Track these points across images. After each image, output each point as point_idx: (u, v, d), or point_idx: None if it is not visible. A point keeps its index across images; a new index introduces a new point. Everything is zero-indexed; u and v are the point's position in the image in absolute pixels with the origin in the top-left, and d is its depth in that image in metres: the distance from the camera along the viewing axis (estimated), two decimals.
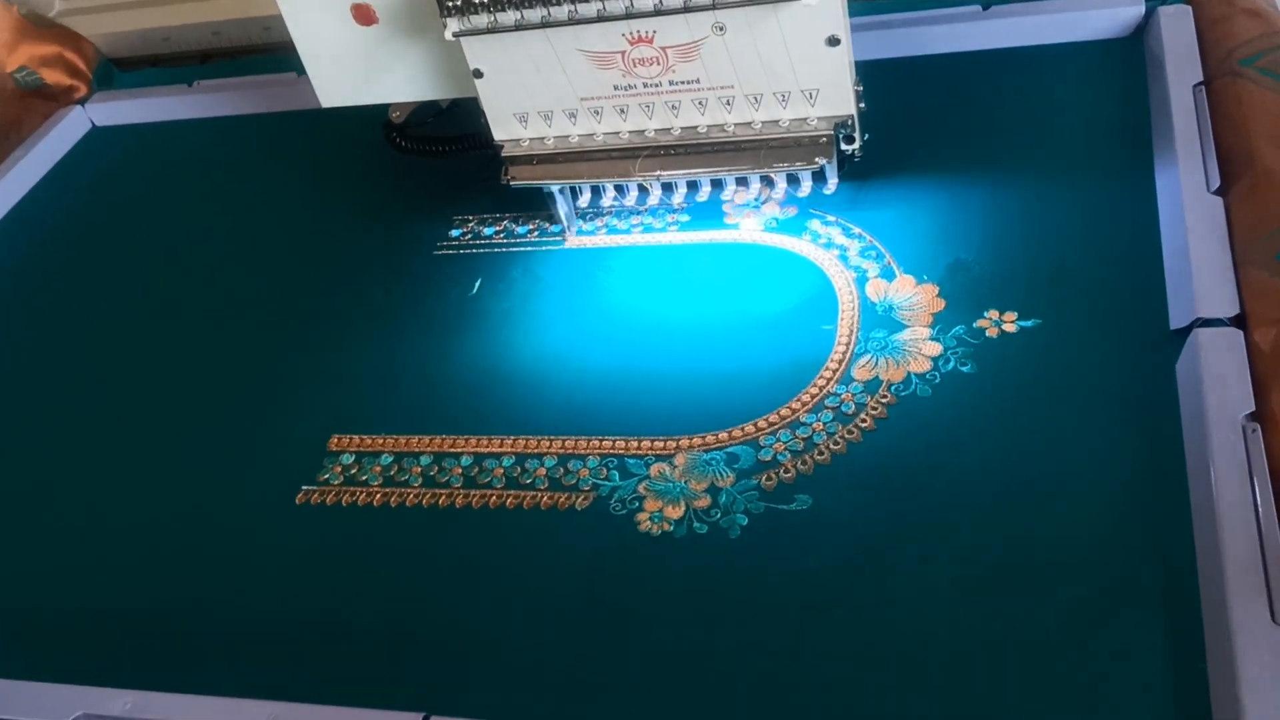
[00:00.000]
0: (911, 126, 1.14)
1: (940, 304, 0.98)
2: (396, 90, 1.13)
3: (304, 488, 0.98)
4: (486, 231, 1.20)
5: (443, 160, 1.22)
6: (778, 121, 1.01)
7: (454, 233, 1.21)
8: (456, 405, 1.02)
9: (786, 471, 0.88)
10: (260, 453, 1.02)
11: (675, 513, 0.87)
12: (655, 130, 1.04)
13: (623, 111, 1.03)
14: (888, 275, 1.02)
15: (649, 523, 0.87)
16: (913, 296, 0.99)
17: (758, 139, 1.01)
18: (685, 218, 1.14)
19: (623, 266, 1.11)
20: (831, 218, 1.09)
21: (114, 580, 0.95)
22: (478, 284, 1.14)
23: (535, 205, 1.19)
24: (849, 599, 0.79)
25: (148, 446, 1.07)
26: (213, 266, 1.26)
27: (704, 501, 0.88)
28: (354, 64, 1.11)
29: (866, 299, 1.00)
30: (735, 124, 1.02)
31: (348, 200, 1.29)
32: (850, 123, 1.00)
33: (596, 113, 1.04)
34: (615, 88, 1.02)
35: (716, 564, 0.83)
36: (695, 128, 1.03)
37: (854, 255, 1.05)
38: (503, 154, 1.08)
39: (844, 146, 1.01)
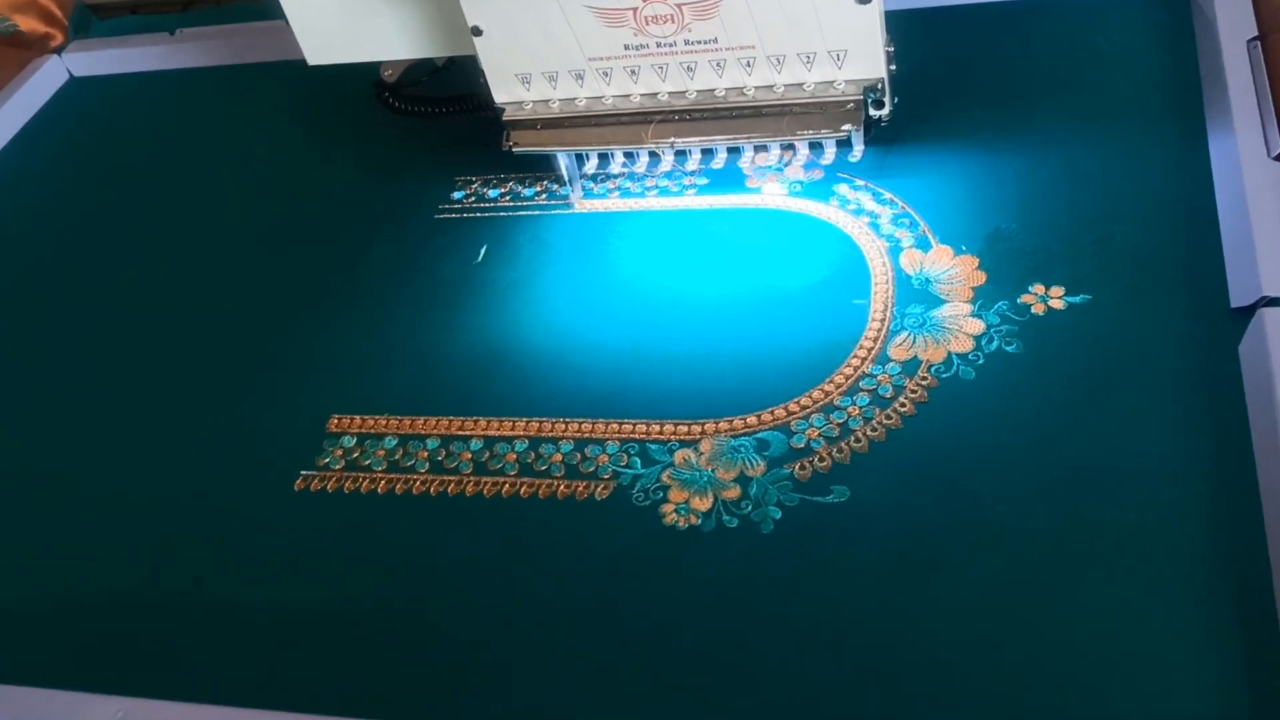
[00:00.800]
0: (943, 83, 1.07)
1: (981, 277, 0.91)
2: (388, 47, 1.06)
3: (303, 473, 0.92)
4: (491, 194, 1.13)
5: (440, 121, 1.14)
6: (802, 85, 0.94)
7: (456, 195, 1.14)
8: (464, 384, 0.95)
9: (822, 460, 0.82)
10: (255, 435, 0.96)
11: (703, 504, 0.82)
12: (669, 93, 0.97)
13: (634, 73, 0.96)
14: (923, 245, 0.95)
15: (675, 515, 0.82)
16: (951, 269, 0.93)
17: (780, 104, 0.94)
18: (703, 180, 1.07)
19: (637, 233, 1.04)
20: (861, 181, 1.02)
21: (106, 571, 0.89)
22: (483, 251, 1.07)
23: (541, 166, 1.12)
24: (891, 601, 0.74)
25: (130, 428, 1.00)
26: (199, 233, 1.19)
27: (733, 492, 0.82)
28: (342, 18, 1.03)
29: (901, 271, 0.94)
30: (756, 87, 0.95)
31: (341, 159, 1.22)
32: (880, 86, 0.93)
33: (605, 74, 0.97)
34: (626, 47, 0.95)
35: (748, 562, 0.78)
36: (712, 91, 0.96)
37: (886, 223, 0.98)
38: (504, 118, 1.01)
39: (872, 112, 0.94)
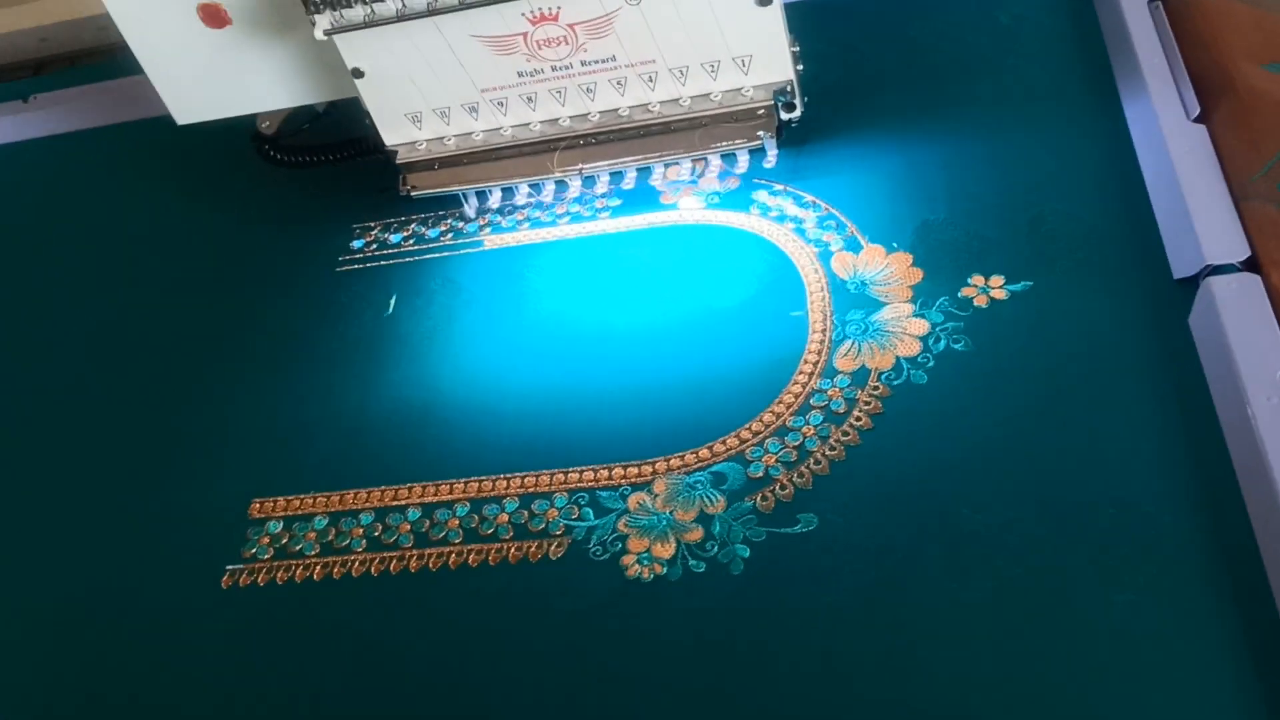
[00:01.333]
0: (849, 76, 1.04)
1: (917, 274, 0.88)
2: (262, 99, 0.99)
3: (228, 568, 0.85)
4: (393, 239, 1.07)
5: (329, 169, 1.07)
6: (709, 95, 0.90)
7: (356, 244, 1.07)
8: (392, 449, 0.89)
9: (783, 488, 0.78)
10: (171, 531, 0.89)
11: (666, 551, 0.77)
12: (570, 118, 0.92)
13: (530, 100, 0.91)
14: (853, 246, 0.92)
15: (637, 566, 0.77)
16: (886, 268, 0.89)
17: (688, 117, 0.90)
18: (616, 202, 1.03)
19: (554, 265, 0.99)
20: (780, 186, 0.99)
21: (42, 693, 0.81)
22: (393, 301, 1.01)
23: (444, 204, 1.06)
24: (879, 631, 0.70)
25: (32, 535, 0.92)
26: (80, 309, 1.11)
27: (696, 534, 0.77)
28: (209, 72, 0.96)
29: (834, 276, 0.90)
30: (661, 102, 0.91)
31: (227, 219, 1.14)
32: (790, 88, 0.89)
33: (501, 104, 0.92)
34: (520, 74, 0.90)
35: (723, 607, 0.74)
36: (616, 110, 0.91)
37: (811, 227, 0.95)
38: (397, 160, 0.95)
39: (784, 115, 0.91)
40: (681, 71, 0.88)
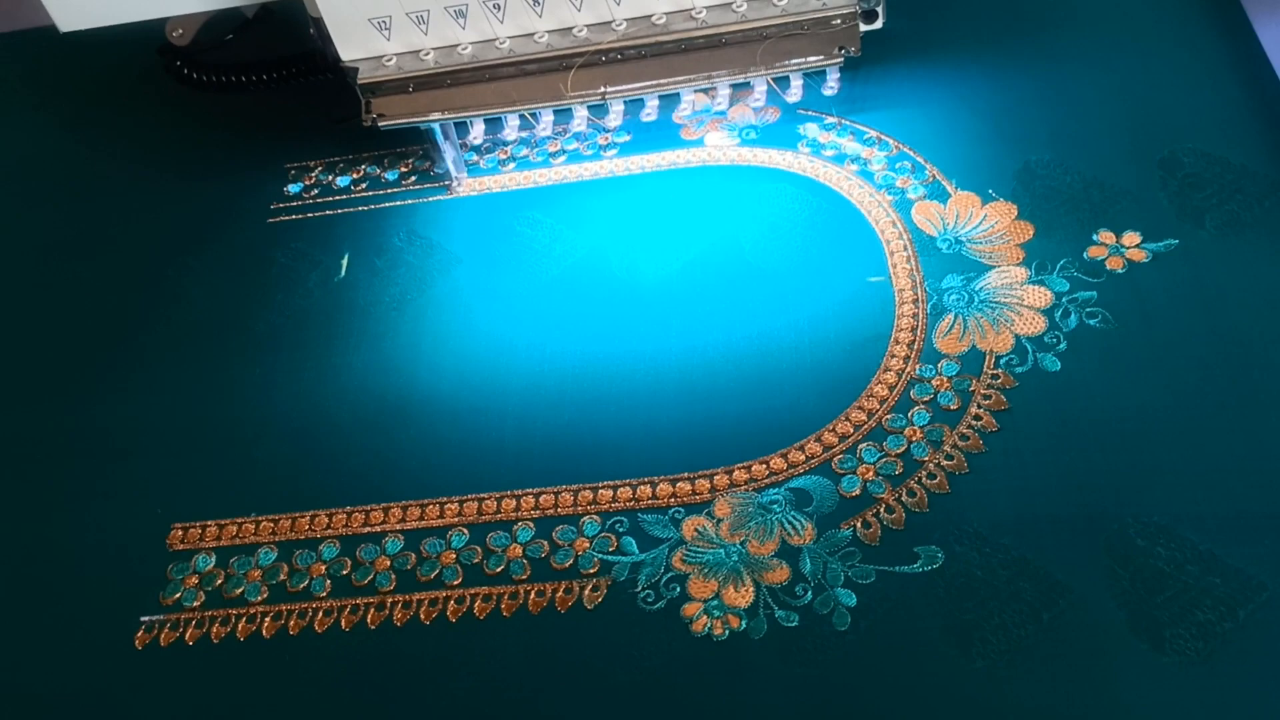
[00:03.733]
0: None
1: (1027, 229, 0.70)
2: (170, 0, 0.76)
3: (144, 619, 0.64)
4: (340, 182, 0.85)
5: (259, 91, 0.85)
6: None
7: (292, 188, 0.85)
8: (358, 457, 0.69)
9: (890, 510, 0.60)
10: (64, 568, 0.68)
11: (742, 597, 0.58)
12: (588, 27, 0.71)
13: (537, 3, 0.70)
14: (938, 194, 0.73)
15: (706, 618, 0.58)
16: (985, 222, 0.71)
17: (744, 27, 0.70)
18: (625, 137, 0.82)
19: (552, 217, 0.79)
20: (833, 118, 0.79)
21: None
22: (345, 262, 0.80)
23: (404, 139, 0.84)
24: (1047, 707, 0.52)
25: None
26: None
27: (781, 573, 0.59)
28: None
29: (919, 231, 0.72)
30: (708, 7, 0.70)
31: (126, 158, 0.91)
32: None
33: (497, 7, 0.70)
34: None
35: (827, 676, 0.55)
36: (649, 18, 0.71)
37: (879, 168, 0.76)
38: (359, 80, 0.73)
39: (862, 26, 0.71)
40: None
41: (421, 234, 0.80)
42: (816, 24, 0.69)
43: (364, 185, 0.84)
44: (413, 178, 0.84)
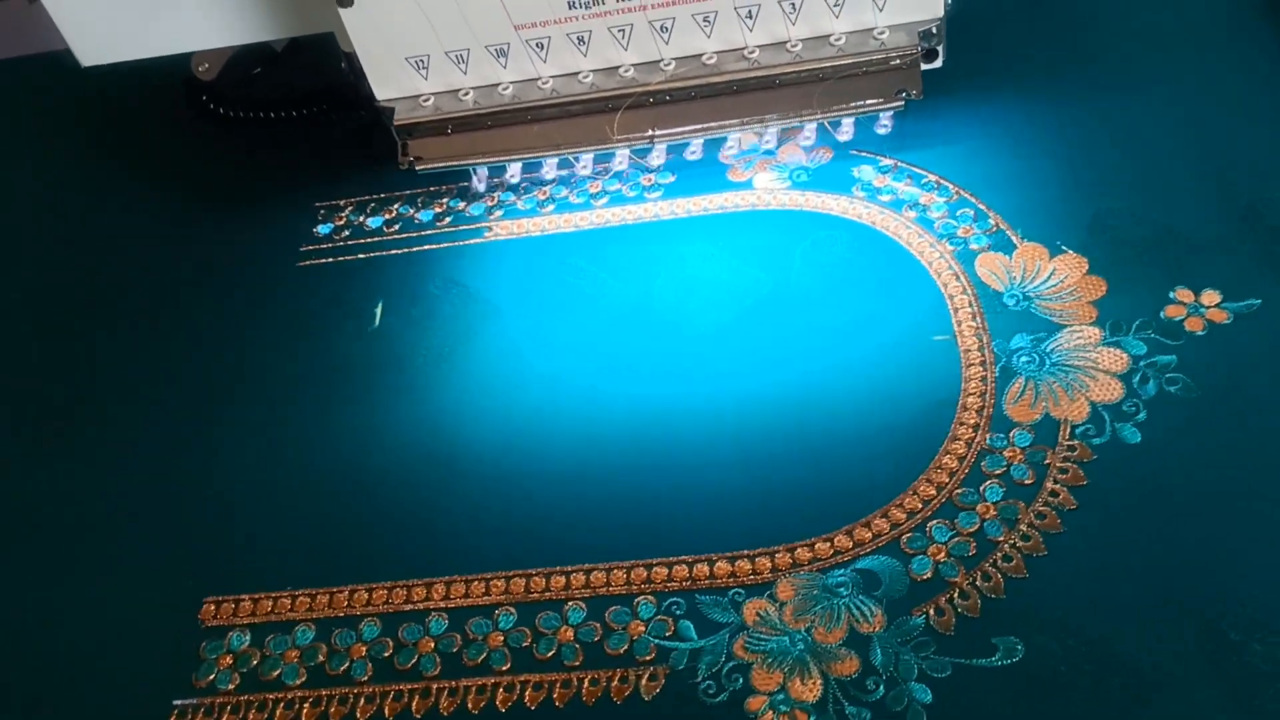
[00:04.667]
0: (980, 11, 0.80)
1: (1099, 285, 0.67)
2: (196, 34, 0.73)
3: (177, 704, 0.61)
4: (371, 223, 0.82)
5: (289, 128, 0.82)
6: (828, 38, 0.66)
7: (322, 229, 0.82)
8: (397, 525, 0.66)
9: (964, 596, 0.57)
10: (87, 646, 0.65)
11: (809, 690, 0.55)
12: (635, 66, 0.68)
13: (581, 41, 0.67)
14: (1003, 245, 0.70)
15: (772, 713, 0.55)
16: (1054, 277, 0.68)
17: (799, 69, 0.67)
18: (669, 178, 0.79)
19: (596, 262, 0.76)
20: (888, 160, 0.76)
21: None
22: (379, 311, 0.76)
23: (438, 177, 0.81)
24: None
25: None
26: None
27: (850, 665, 0.56)
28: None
29: (982, 284, 0.68)
30: (761, 47, 0.67)
31: (148, 194, 0.87)
32: (937, 30, 0.66)
33: (540, 46, 0.67)
34: (571, 5, 0.65)
35: None
36: (699, 57, 0.67)
37: (939, 216, 0.72)
38: (395, 121, 0.70)
39: (923, 65, 0.68)
40: (794, 6, 0.64)
41: (459, 281, 0.77)
42: (875, 64, 0.66)
43: (397, 227, 0.81)
44: (448, 219, 0.81)
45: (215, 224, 0.84)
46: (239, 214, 0.84)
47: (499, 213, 0.80)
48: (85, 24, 0.72)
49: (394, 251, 0.80)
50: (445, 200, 0.82)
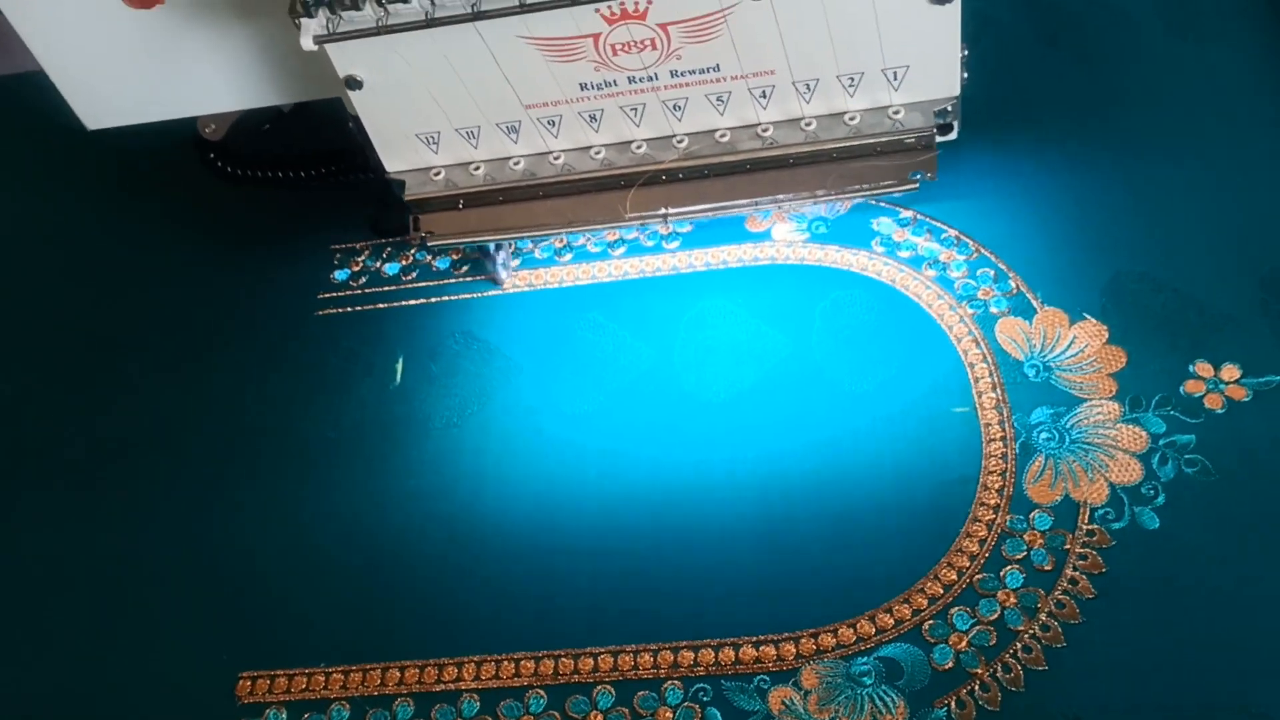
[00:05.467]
0: (1001, 73, 0.79)
1: (1119, 357, 0.67)
2: (203, 99, 0.73)
3: None
4: (388, 269, 0.82)
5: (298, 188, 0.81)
6: (843, 116, 0.65)
7: (339, 275, 0.82)
8: (428, 600, 0.67)
9: (985, 689, 0.58)
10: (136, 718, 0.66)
11: None
12: (648, 142, 0.67)
13: (594, 119, 0.66)
14: (1022, 309, 0.70)
15: None
16: (1074, 346, 0.68)
17: (815, 148, 0.66)
18: (687, 228, 0.79)
19: (614, 317, 0.76)
20: (909, 213, 0.76)
21: None
22: (400, 367, 0.77)
23: None
24: None
25: None
26: None
27: None
28: (131, 64, 0.69)
29: (1003, 352, 0.69)
30: (774, 124, 0.66)
31: (161, 248, 0.87)
32: (952, 108, 0.65)
33: (551, 123, 0.66)
34: (583, 87, 0.65)
35: None
36: (712, 133, 0.67)
37: (959, 275, 0.72)
38: (406, 196, 0.69)
39: (939, 138, 0.67)
40: (808, 86, 0.64)
41: (478, 336, 0.77)
42: (889, 145, 0.65)
43: (414, 274, 0.81)
44: (464, 267, 0.81)
45: (228, 275, 0.84)
46: (256, 258, 0.84)
47: (516, 261, 0.80)
48: (88, 88, 0.71)
49: (412, 302, 0.80)
50: (461, 248, 0.81)
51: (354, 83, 0.65)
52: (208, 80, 0.70)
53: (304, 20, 0.58)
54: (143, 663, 0.68)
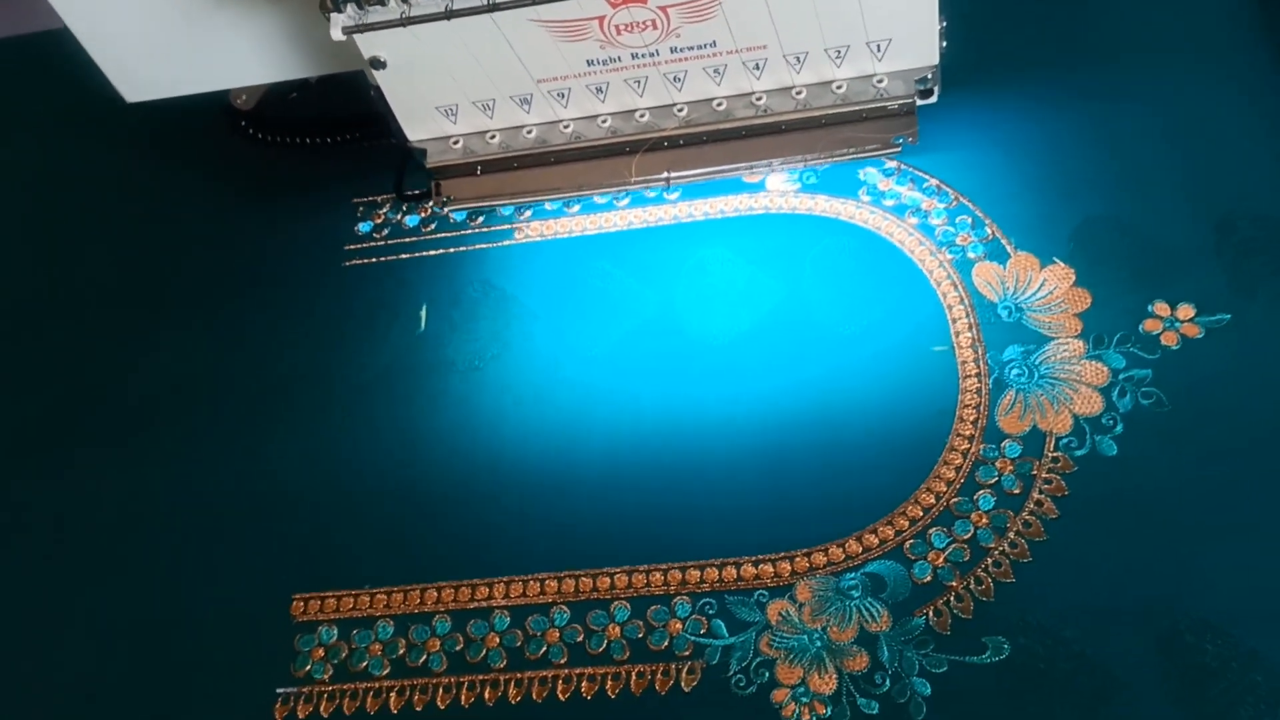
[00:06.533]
0: (987, 24, 0.83)
1: (1085, 298, 0.73)
2: (235, 73, 0.78)
3: (280, 691, 0.71)
4: (408, 221, 0.87)
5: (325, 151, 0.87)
6: (830, 84, 0.71)
7: (363, 227, 0.88)
8: (461, 527, 0.75)
9: (959, 599, 0.66)
10: (200, 636, 0.74)
11: (826, 684, 0.65)
12: (650, 110, 0.73)
13: (599, 91, 0.72)
14: (997, 254, 0.76)
15: (794, 705, 0.65)
16: (1044, 288, 0.74)
17: (803, 115, 0.72)
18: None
19: (620, 265, 0.82)
20: (894, 164, 0.81)
21: None
22: (424, 315, 0.83)
23: None
24: None
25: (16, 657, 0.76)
26: (15, 331, 0.90)
27: (860, 661, 0.65)
28: (166, 40, 0.74)
29: (979, 294, 0.75)
30: (767, 92, 0.72)
31: (192, 210, 0.92)
32: (932, 75, 0.71)
33: (561, 95, 0.72)
34: (590, 63, 0.70)
35: None
36: (710, 102, 0.72)
37: (939, 223, 0.78)
38: (427, 163, 0.75)
39: (919, 102, 0.73)
40: (798, 58, 0.69)
41: (495, 284, 0.83)
42: (874, 111, 0.71)
43: (433, 225, 0.87)
44: (480, 218, 0.86)
45: (257, 229, 0.89)
46: (283, 215, 0.89)
47: (528, 213, 0.85)
48: (125, 63, 0.76)
49: (432, 252, 0.86)
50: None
51: (378, 63, 0.70)
52: (241, 55, 0.75)
53: (333, 14, 0.64)
54: (206, 589, 0.75)
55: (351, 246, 0.87)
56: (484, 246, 0.85)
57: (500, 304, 0.82)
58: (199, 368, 0.84)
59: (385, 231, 0.87)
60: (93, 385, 0.85)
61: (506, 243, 0.85)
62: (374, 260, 0.86)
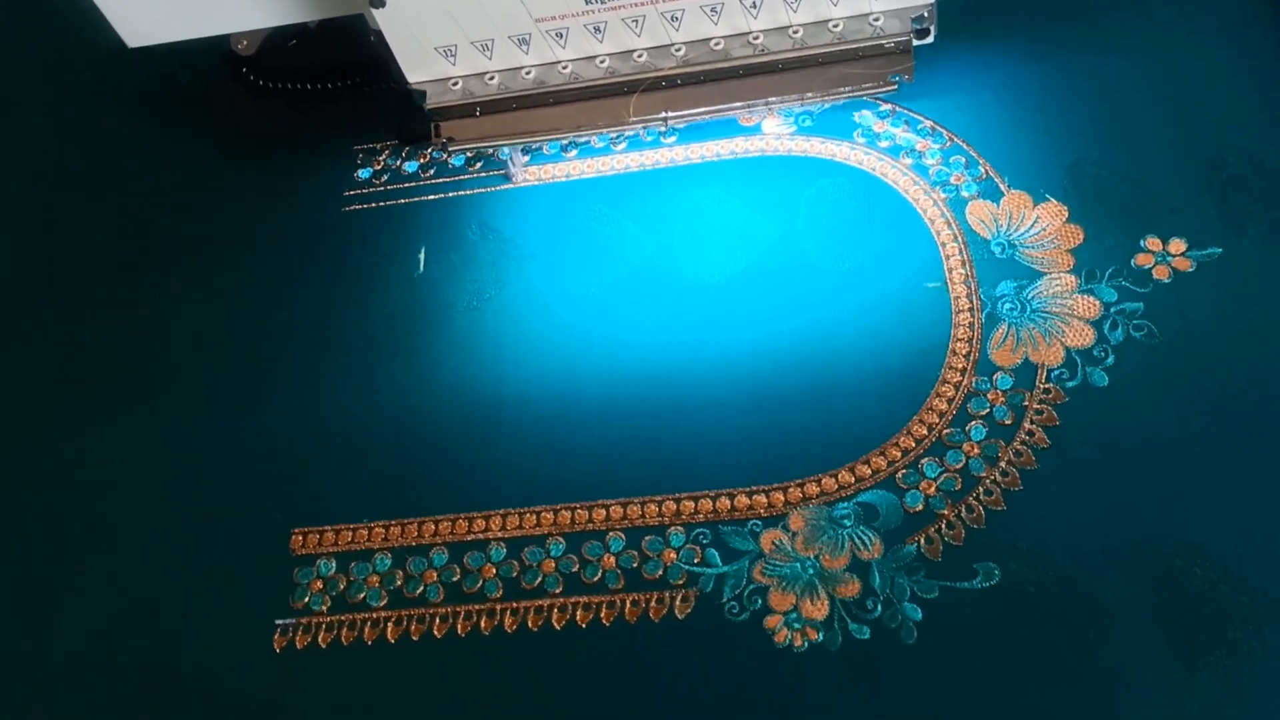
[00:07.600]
0: None
1: (1077, 234, 0.74)
2: (235, 16, 0.78)
3: (279, 622, 0.72)
4: (408, 167, 0.88)
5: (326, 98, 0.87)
6: (826, 24, 0.71)
7: (362, 173, 0.88)
8: (458, 462, 0.75)
9: (950, 527, 0.66)
10: (199, 573, 0.75)
11: (818, 610, 0.65)
12: (648, 50, 0.73)
13: (597, 30, 0.72)
14: (991, 193, 0.77)
15: (786, 630, 0.65)
16: (1036, 225, 0.75)
17: (800, 54, 0.72)
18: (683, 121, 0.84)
19: (618, 209, 0.83)
20: (888, 106, 0.82)
21: None
22: (423, 258, 0.84)
23: None
24: None
25: (28, 589, 0.77)
26: (22, 278, 0.91)
27: (852, 587, 0.66)
28: None
29: (972, 233, 0.76)
30: (764, 32, 0.72)
31: (194, 157, 0.93)
32: (928, 13, 0.71)
33: (559, 35, 0.72)
34: (588, 1, 0.70)
35: (897, 690, 0.63)
36: (707, 42, 0.73)
37: (933, 163, 0.79)
38: (427, 105, 0.76)
39: (915, 41, 0.73)
40: None
41: (493, 227, 0.84)
42: (870, 50, 0.71)
43: (431, 171, 0.87)
44: (479, 163, 0.87)
45: (258, 175, 0.89)
46: (284, 161, 0.90)
47: (526, 157, 0.86)
48: (128, 7, 0.77)
49: (431, 197, 0.86)
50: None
51: (378, 3, 0.70)
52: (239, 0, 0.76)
53: None
54: (210, 526, 0.76)
55: (351, 192, 0.88)
56: (482, 191, 0.86)
57: (498, 247, 0.83)
58: (200, 313, 0.85)
59: (385, 177, 0.88)
60: (94, 334, 0.86)
61: (504, 187, 0.85)
62: (374, 205, 0.87)
